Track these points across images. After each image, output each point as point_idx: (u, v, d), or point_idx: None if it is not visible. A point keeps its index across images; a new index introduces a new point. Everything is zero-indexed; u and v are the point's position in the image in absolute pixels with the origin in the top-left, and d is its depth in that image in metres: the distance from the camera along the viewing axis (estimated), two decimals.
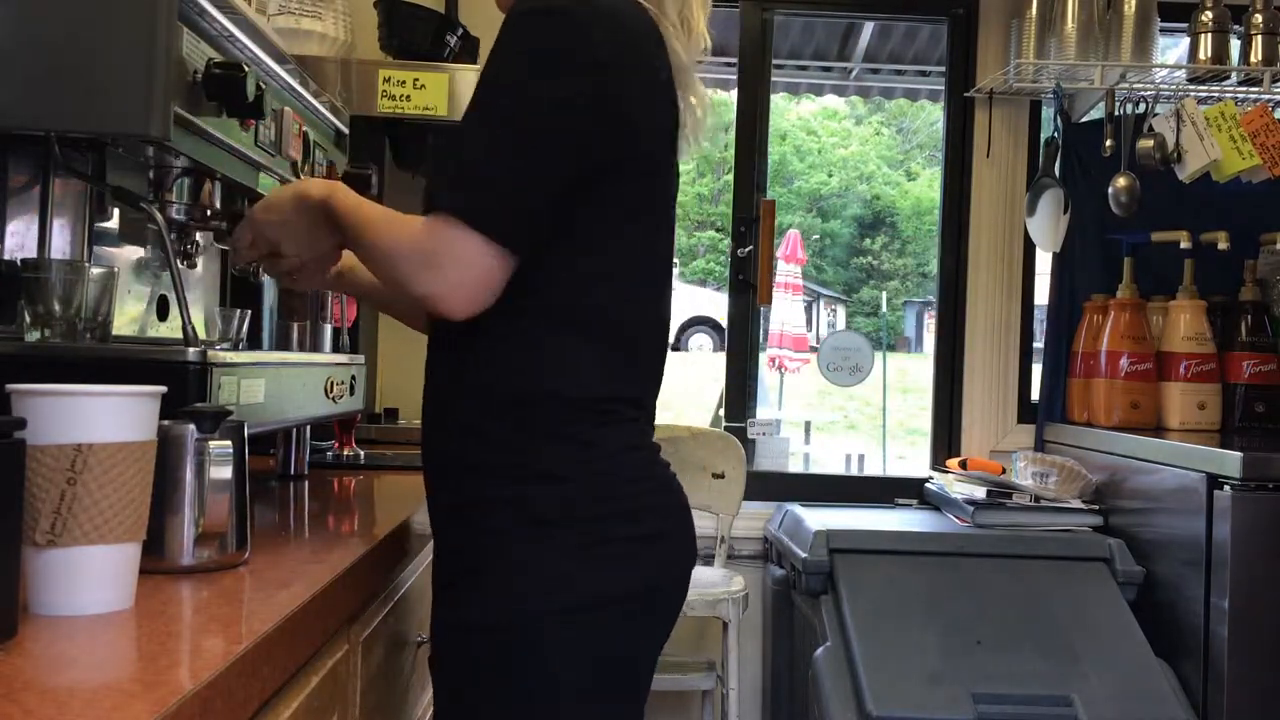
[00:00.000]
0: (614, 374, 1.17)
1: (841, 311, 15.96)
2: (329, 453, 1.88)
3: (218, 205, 1.51)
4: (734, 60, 2.96)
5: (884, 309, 14.71)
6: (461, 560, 1.15)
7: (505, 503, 1.12)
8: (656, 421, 1.26)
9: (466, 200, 1.07)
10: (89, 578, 0.82)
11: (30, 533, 0.80)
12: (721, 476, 2.72)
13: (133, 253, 1.65)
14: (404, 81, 2.16)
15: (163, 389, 0.89)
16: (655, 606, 1.19)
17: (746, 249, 2.90)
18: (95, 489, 0.82)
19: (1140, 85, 2.66)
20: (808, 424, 8.26)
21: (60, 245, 1.42)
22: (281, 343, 1.66)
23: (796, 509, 2.62)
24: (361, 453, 1.91)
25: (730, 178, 3.05)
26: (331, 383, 1.52)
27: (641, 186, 1.17)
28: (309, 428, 1.64)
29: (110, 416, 0.84)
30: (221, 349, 1.22)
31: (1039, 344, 2.95)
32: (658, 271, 1.23)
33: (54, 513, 0.80)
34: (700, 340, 11.18)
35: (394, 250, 1.10)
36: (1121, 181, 2.64)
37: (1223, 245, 2.59)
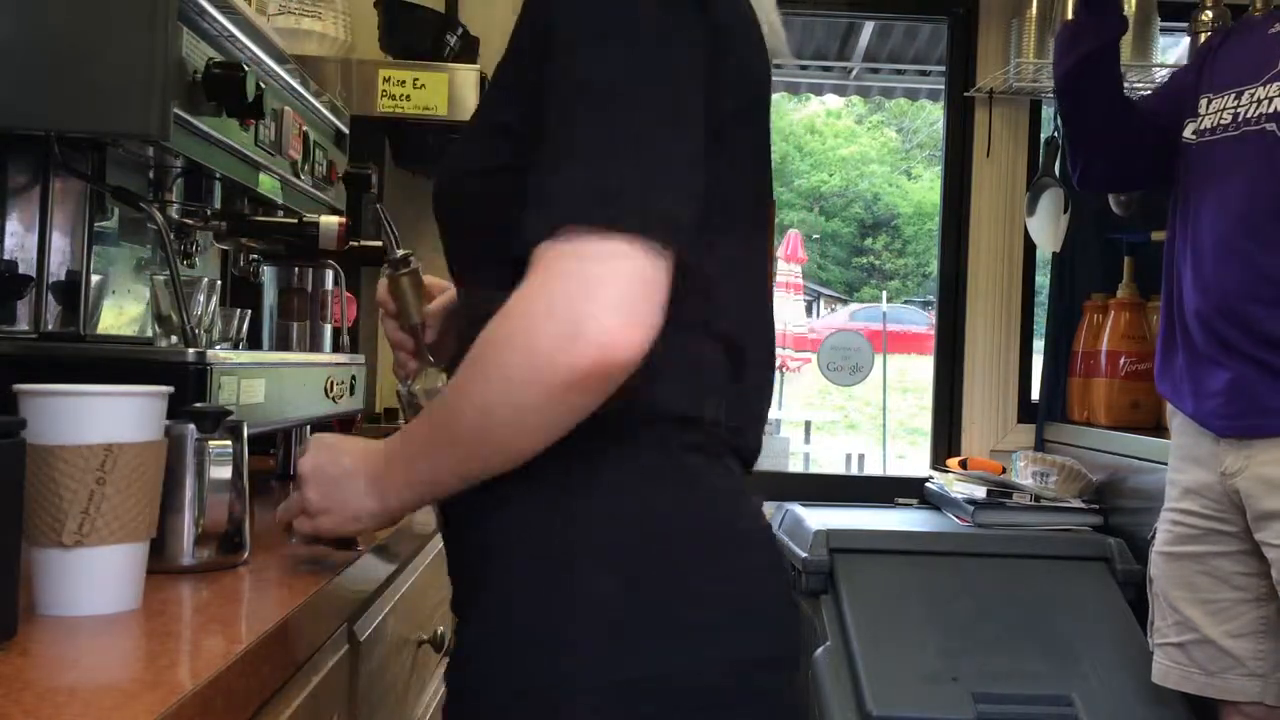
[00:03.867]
0: (709, 386, 0.90)
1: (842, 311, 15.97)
2: None
3: (217, 205, 1.52)
4: None
5: (884, 308, 14.70)
6: (468, 616, 0.93)
7: (521, 526, 0.87)
8: None
9: (596, 199, 0.78)
10: (110, 576, 0.83)
11: (55, 534, 0.80)
12: None
13: (133, 253, 1.65)
14: (404, 81, 2.16)
15: (170, 389, 0.89)
16: (757, 698, 0.88)
17: None
18: (123, 488, 0.82)
19: (1140, 85, 2.66)
20: (808, 424, 8.27)
21: (60, 245, 1.42)
22: (281, 343, 1.66)
23: (796, 509, 2.62)
24: None
25: None
26: (331, 383, 1.52)
27: (747, 137, 0.94)
28: (309, 428, 1.64)
29: (137, 416, 0.84)
30: (221, 349, 1.23)
31: (1040, 343, 2.96)
32: (755, 246, 0.97)
33: (82, 513, 0.81)
34: None
35: (508, 337, 0.79)
36: None
37: None
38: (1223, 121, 1.90)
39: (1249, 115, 1.85)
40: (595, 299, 0.76)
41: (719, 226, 0.89)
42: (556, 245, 0.78)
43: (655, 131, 0.81)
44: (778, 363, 1.02)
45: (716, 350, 0.90)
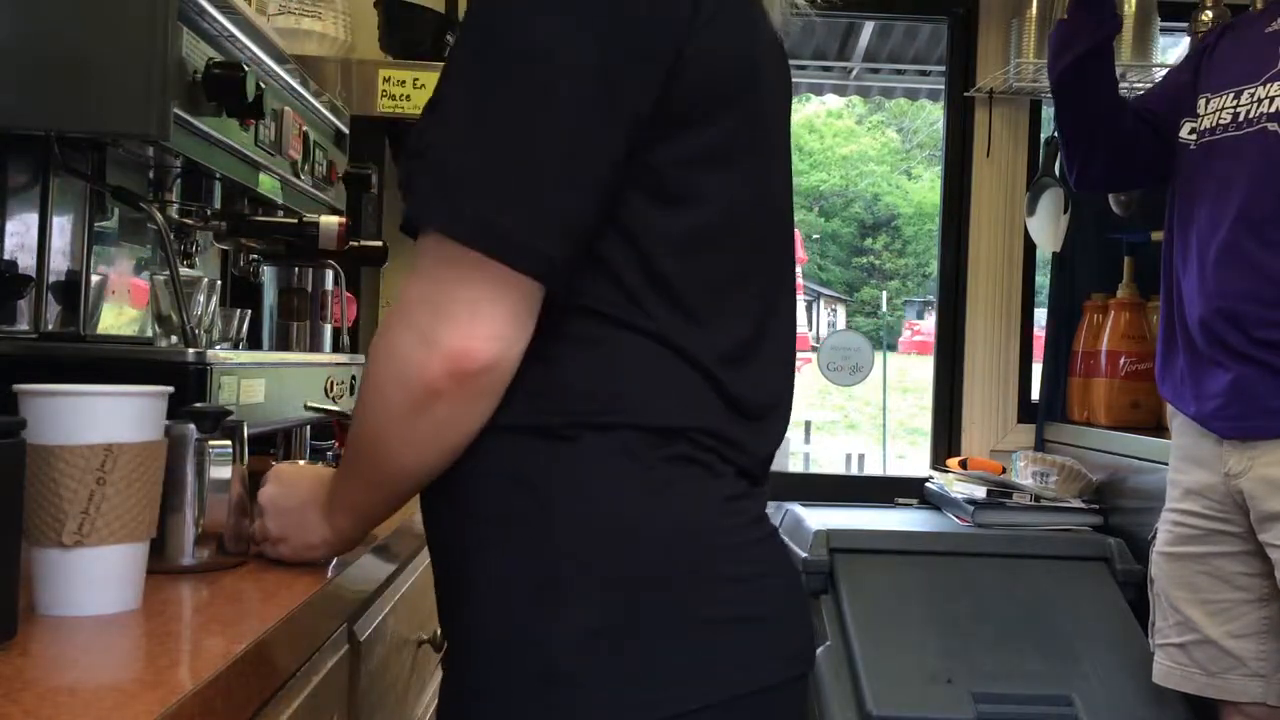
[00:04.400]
0: (692, 398, 0.86)
1: (842, 311, 15.99)
2: (329, 453, 1.88)
3: (217, 205, 1.52)
4: None
5: (884, 308, 14.71)
6: (450, 615, 0.92)
7: (499, 545, 0.85)
8: None
9: (464, 214, 0.78)
10: (110, 577, 0.83)
11: (55, 534, 0.80)
12: None
13: (133, 253, 1.65)
14: (404, 81, 2.16)
15: (170, 389, 0.89)
16: (755, 697, 0.85)
17: None
18: (124, 488, 0.82)
19: (1140, 85, 2.66)
20: (808, 424, 8.28)
21: (60, 245, 1.42)
22: (281, 343, 1.66)
23: (796, 509, 2.62)
24: None
25: None
26: (331, 383, 1.52)
27: (727, 117, 0.86)
28: (309, 428, 1.64)
29: (137, 416, 0.84)
30: (221, 349, 1.23)
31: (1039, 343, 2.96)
32: (768, 244, 0.93)
33: (82, 513, 0.81)
34: None
35: (379, 349, 0.83)
36: None
37: None
38: (1222, 121, 1.90)
39: (1249, 115, 1.85)
40: (448, 312, 0.79)
41: (709, 241, 0.86)
42: (421, 249, 0.80)
43: (539, 150, 0.79)
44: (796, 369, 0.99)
45: (698, 361, 0.86)
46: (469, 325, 0.78)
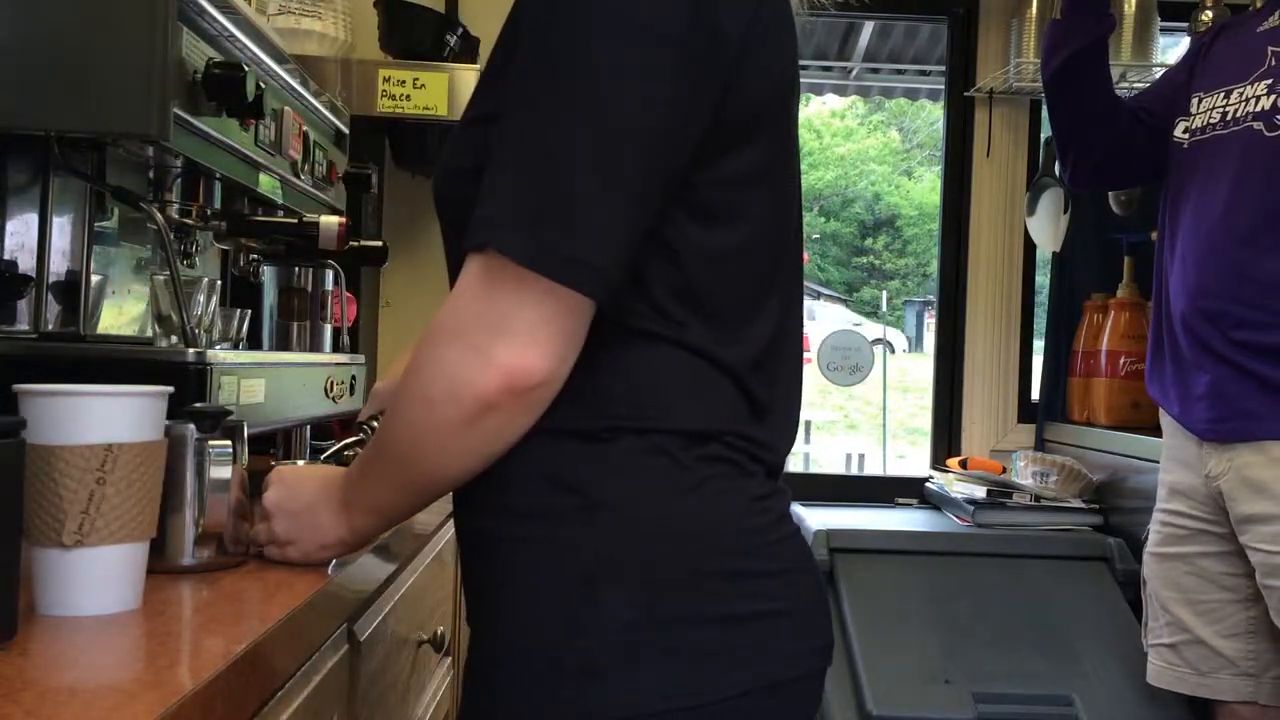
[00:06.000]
0: (722, 401, 0.88)
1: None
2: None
3: (217, 205, 1.52)
4: None
5: (884, 308, 14.70)
6: (478, 612, 0.93)
7: (537, 542, 0.86)
8: None
9: (531, 238, 0.78)
10: (110, 577, 0.83)
11: (55, 534, 0.80)
12: None
13: (133, 253, 1.65)
14: (404, 81, 2.16)
15: (170, 389, 0.89)
16: (769, 713, 0.88)
17: None
18: (124, 488, 0.82)
19: (1140, 85, 2.66)
20: (808, 424, 8.27)
21: (60, 245, 1.42)
22: (281, 343, 1.66)
23: (797, 509, 2.62)
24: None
25: None
26: (331, 383, 1.52)
27: (766, 135, 0.89)
28: (309, 428, 1.64)
29: (137, 416, 0.84)
30: (221, 349, 1.23)
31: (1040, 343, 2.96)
32: (786, 250, 0.95)
33: (81, 513, 0.81)
34: None
35: (425, 361, 0.82)
36: None
37: None
38: (1212, 121, 1.90)
39: (1237, 114, 1.85)
40: (508, 334, 0.79)
41: (741, 255, 0.88)
42: (477, 268, 0.80)
43: (603, 176, 0.79)
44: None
45: (729, 368, 0.88)
46: (528, 345, 0.79)
